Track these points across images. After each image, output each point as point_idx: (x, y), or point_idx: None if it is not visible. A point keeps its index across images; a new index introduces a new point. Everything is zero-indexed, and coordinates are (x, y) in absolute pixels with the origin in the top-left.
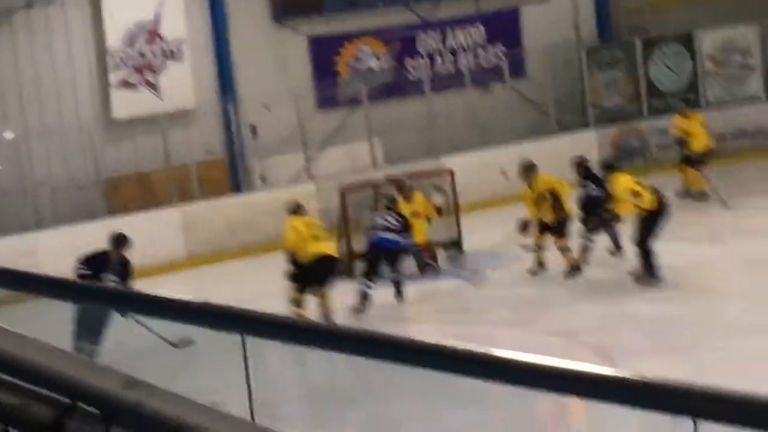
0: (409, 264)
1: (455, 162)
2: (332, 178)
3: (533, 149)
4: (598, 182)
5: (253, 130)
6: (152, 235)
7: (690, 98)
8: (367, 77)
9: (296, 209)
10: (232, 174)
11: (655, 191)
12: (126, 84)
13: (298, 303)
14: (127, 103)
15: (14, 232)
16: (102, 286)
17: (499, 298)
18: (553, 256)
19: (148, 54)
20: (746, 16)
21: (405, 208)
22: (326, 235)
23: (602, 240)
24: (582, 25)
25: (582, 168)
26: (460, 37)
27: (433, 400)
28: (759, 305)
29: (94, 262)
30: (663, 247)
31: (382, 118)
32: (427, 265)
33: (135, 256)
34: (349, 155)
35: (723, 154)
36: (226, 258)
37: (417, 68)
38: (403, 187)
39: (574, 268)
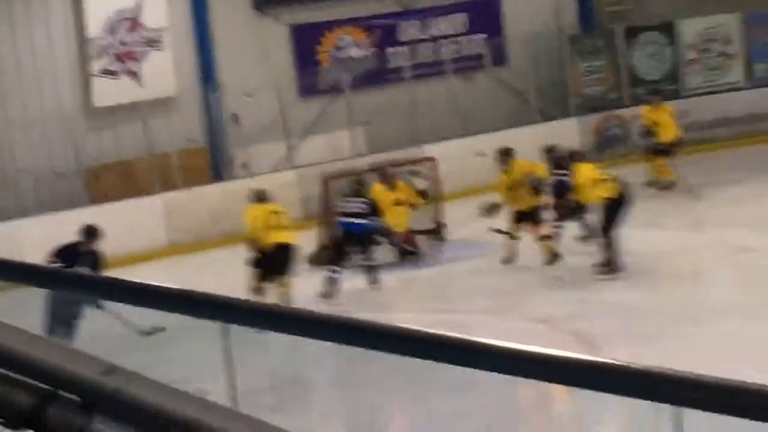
0: (388, 252)
1: (437, 150)
2: (314, 166)
3: (515, 137)
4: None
5: (235, 118)
6: (134, 223)
7: (662, 89)
8: (349, 65)
9: (260, 197)
10: (214, 162)
11: (617, 180)
12: (107, 72)
13: (258, 292)
14: (108, 92)
15: None
16: (87, 275)
17: (480, 286)
18: (528, 245)
19: (130, 42)
20: (727, 5)
21: (388, 196)
22: (288, 224)
23: (573, 227)
24: (563, 13)
25: (552, 155)
26: (441, 26)
27: (417, 387)
28: (735, 292)
29: (66, 254)
30: (640, 236)
31: (363, 107)
32: (408, 253)
33: (117, 244)
34: (331, 143)
35: (704, 143)
36: (208, 246)
37: (398, 56)
38: (386, 175)
39: (554, 256)
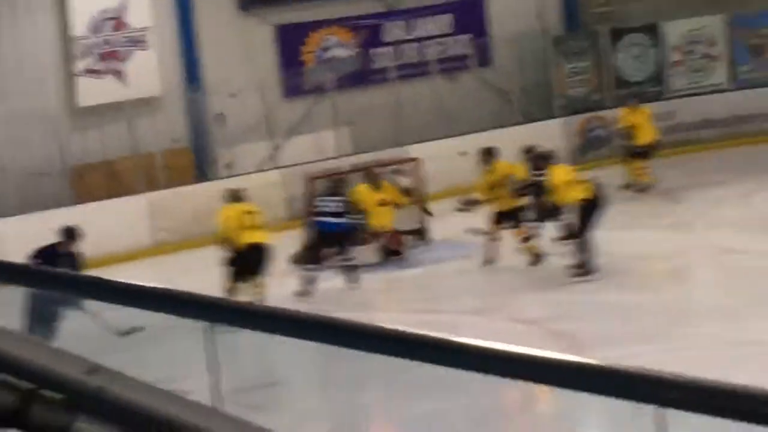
0: (372, 252)
1: (421, 150)
2: (298, 166)
3: (499, 138)
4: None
5: (220, 118)
6: (118, 222)
7: (642, 91)
8: (334, 66)
9: (235, 197)
10: (198, 162)
11: (592, 182)
12: (92, 72)
13: (232, 292)
14: (92, 91)
15: None
16: (73, 274)
17: (465, 286)
18: (512, 246)
19: (114, 42)
20: (711, 7)
21: (372, 197)
22: (262, 224)
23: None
24: (548, 14)
25: (530, 156)
26: (426, 26)
27: (400, 387)
28: (719, 294)
29: (46, 255)
30: (625, 237)
31: (348, 107)
32: (392, 254)
33: (101, 243)
34: (315, 144)
35: (688, 144)
36: (193, 246)
37: (383, 57)
38: (371, 175)
39: (537, 257)
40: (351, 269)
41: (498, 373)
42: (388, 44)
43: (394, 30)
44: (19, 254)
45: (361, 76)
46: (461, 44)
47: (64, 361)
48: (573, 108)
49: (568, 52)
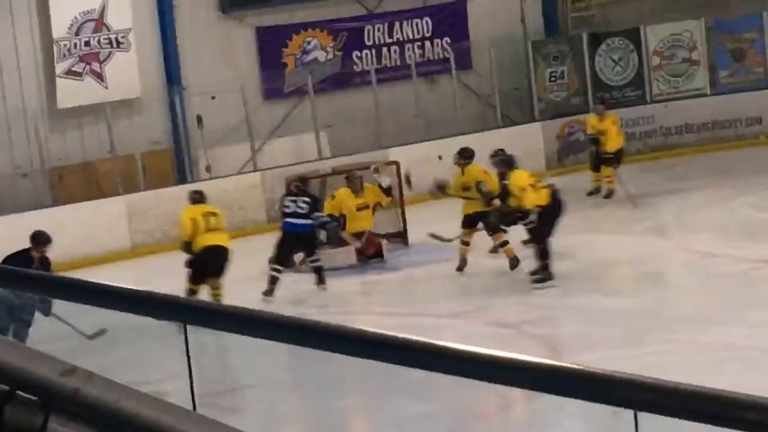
0: (350, 255)
1: (401, 153)
2: (278, 168)
3: (479, 141)
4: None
5: (199, 120)
6: (97, 224)
7: (605, 98)
8: (314, 69)
9: (196, 198)
10: (178, 164)
11: (550, 188)
12: (71, 73)
13: (193, 294)
14: (72, 93)
15: None
16: (51, 275)
17: (444, 289)
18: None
19: (94, 43)
20: (691, 12)
21: (353, 201)
22: (223, 226)
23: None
24: (528, 18)
25: (495, 161)
26: (406, 30)
27: (379, 391)
28: (698, 299)
29: (16, 261)
30: (604, 242)
31: (328, 110)
32: (371, 257)
33: (80, 245)
34: (296, 146)
35: (668, 149)
36: (171, 248)
37: (364, 60)
38: (352, 179)
39: (515, 260)
40: (318, 270)
41: (477, 377)
42: (368, 47)
43: (374, 33)
44: None
45: (342, 79)
46: (441, 48)
47: (40, 363)
48: (553, 112)
49: (548, 56)
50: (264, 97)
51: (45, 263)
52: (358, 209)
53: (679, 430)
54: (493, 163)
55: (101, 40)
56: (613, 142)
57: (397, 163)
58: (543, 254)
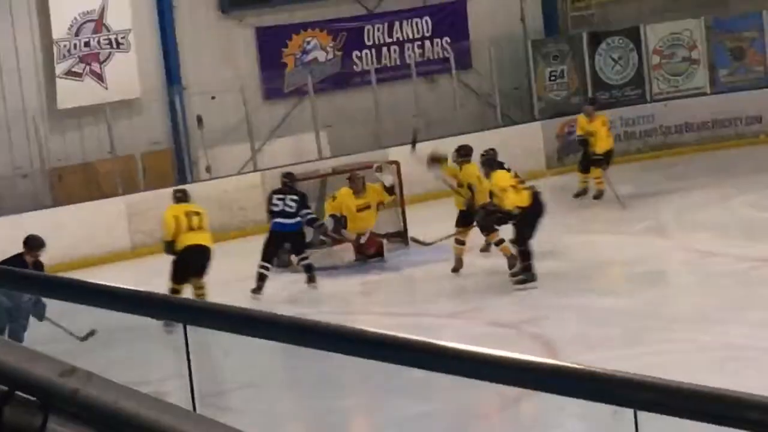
0: (347, 253)
1: (401, 153)
2: (278, 168)
3: (479, 141)
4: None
5: (199, 120)
6: (97, 225)
7: (595, 99)
8: (314, 69)
9: (180, 197)
10: (178, 164)
11: (531, 190)
12: (71, 74)
13: (176, 293)
14: (72, 93)
15: None
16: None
17: (444, 289)
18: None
19: (94, 44)
20: (691, 11)
21: (354, 202)
22: (206, 225)
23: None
24: (528, 17)
25: (482, 161)
26: (406, 29)
27: (379, 391)
28: (698, 298)
29: (11, 265)
30: (605, 241)
31: (328, 110)
32: (372, 256)
33: (80, 245)
34: (296, 146)
35: (668, 148)
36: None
37: (363, 60)
38: (355, 180)
39: (513, 258)
40: (309, 269)
41: (478, 377)
42: (368, 47)
43: (374, 33)
44: None
45: (342, 79)
46: (441, 47)
47: (39, 364)
48: (553, 111)
49: (548, 55)
50: (264, 97)
51: (38, 268)
52: (359, 210)
53: (680, 430)
54: (482, 163)
55: (101, 41)
56: (602, 143)
57: (397, 163)
58: (524, 255)
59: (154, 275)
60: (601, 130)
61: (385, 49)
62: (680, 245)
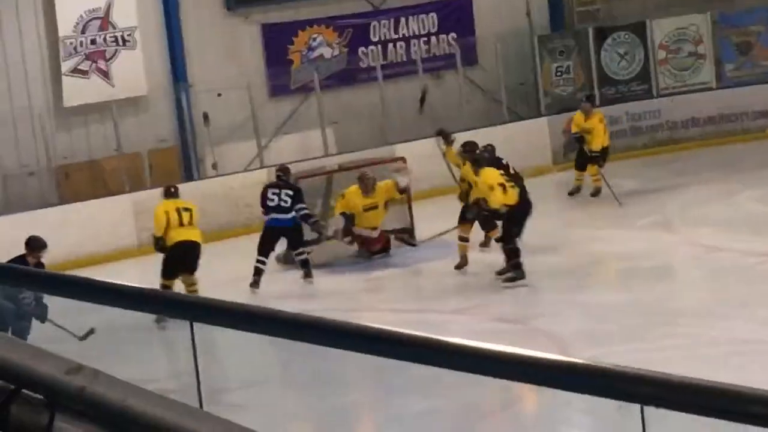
0: (351, 248)
1: (407, 150)
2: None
3: (485, 137)
4: (504, 167)
5: (206, 117)
6: (103, 222)
7: (590, 95)
8: (320, 65)
9: (170, 193)
10: (185, 162)
11: (519, 188)
12: (77, 71)
13: (167, 289)
14: (78, 91)
15: None
16: (58, 273)
17: (450, 285)
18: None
19: (100, 41)
20: (697, 6)
21: (361, 201)
22: (196, 221)
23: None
24: (534, 13)
25: (477, 157)
26: (412, 25)
27: (383, 387)
28: (704, 293)
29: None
30: (610, 236)
31: (334, 106)
32: (378, 252)
33: (86, 243)
34: (302, 143)
35: (674, 143)
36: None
37: (369, 56)
38: (364, 180)
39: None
40: (305, 264)
41: (483, 373)
42: (374, 43)
43: (380, 29)
44: (5, 253)
45: (348, 76)
46: (447, 43)
47: (46, 362)
48: (559, 107)
49: (554, 50)
50: (270, 94)
51: (41, 268)
52: (366, 209)
53: (686, 424)
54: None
55: (107, 38)
56: (599, 141)
57: (404, 159)
58: (512, 254)
59: (160, 273)
60: (598, 127)
61: (391, 45)
62: (686, 240)
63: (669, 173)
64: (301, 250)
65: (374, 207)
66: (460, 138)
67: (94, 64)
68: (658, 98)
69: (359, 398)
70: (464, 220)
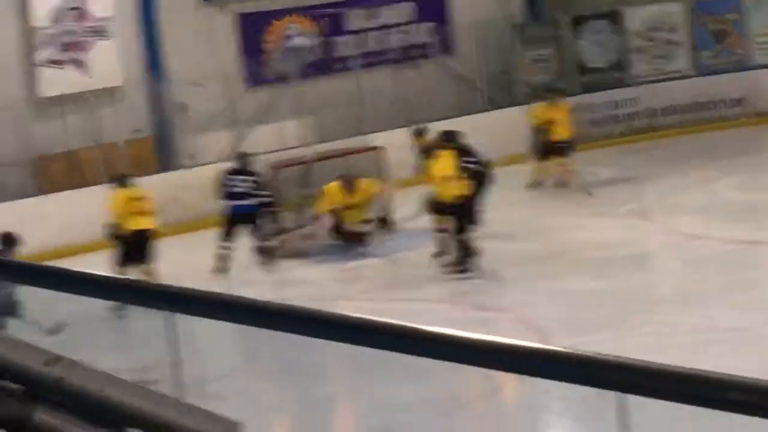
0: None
1: (384, 139)
2: (261, 155)
3: (463, 126)
4: (473, 155)
5: (182, 107)
6: (81, 213)
7: (554, 87)
8: (296, 55)
9: (122, 182)
10: (161, 152)
11: (481, 176)
12: (53, 62)
13: None
14: (54, 82)
15: None
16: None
17: (429, 274)
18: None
19: (76, 32)
20: None
21: (341, 200)
22: (149, 209)
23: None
24: (510, 2)
25: (427, 148)
26: (389, 14)
27: (364, 377)
28: (683, 280)
29: None
30: (589, 224)
31: (311, 96)
32: (353, 241)
33: (64, 233)
34: (278, 133)
35: (650, 131)
36: (154, 236)
37: (346, 45)
38: (346, 180)
39: (473, 250)
40: (264, 251)
41: (462, 361)
42: (350, 33)
43: (356, 18)
44: None
45: (324, 65)
46: (424, 32)
47: (24, 352)
48: (536, 95)
49: (531, 39)
50: (246, 84)
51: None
52: (347, 208)
53: (666, 412)
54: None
55: (83, 29)
56: (564, 131)
57: (381, 149)
58: (463, 245)
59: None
60: (564, 117)
61: (367, 34)
62: (664, 228)
63: (646, 161)
64: (261, 236)
65: (356, 206)
66: (438, 127)
67: (70, 55)
68: (634, 86)
69: (339, 388)
70: (438, 211)
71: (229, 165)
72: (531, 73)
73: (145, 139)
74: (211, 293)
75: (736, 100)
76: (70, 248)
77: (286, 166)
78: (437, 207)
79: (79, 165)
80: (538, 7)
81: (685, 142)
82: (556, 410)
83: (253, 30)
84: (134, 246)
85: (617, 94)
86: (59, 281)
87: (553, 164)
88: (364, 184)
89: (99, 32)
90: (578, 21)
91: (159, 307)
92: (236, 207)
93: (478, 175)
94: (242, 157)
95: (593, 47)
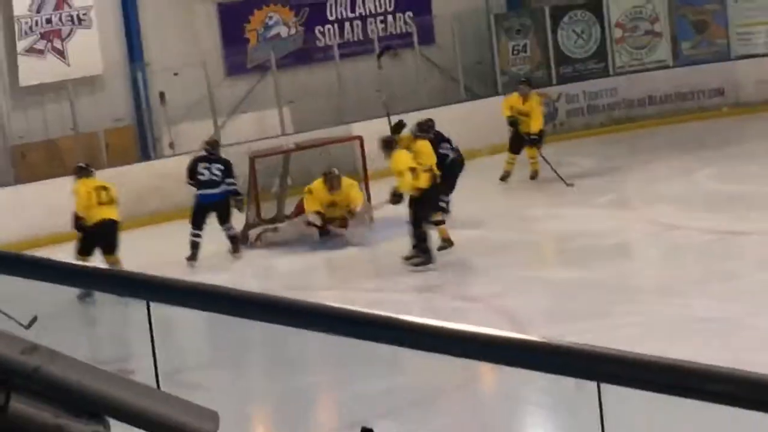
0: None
1: (364, 129)
2: (241, 145)
3: (443, 115)
4: (450, 143)
5: (162, 96)
6: (60, 203)
7: (525, 78)
8: (276, 44)
9: (86, 172)
10: (141, 141)
11: (430, 172)
12: (33, 51)
13: None
14: (34, 70)
15: None
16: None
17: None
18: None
19: (56, 20)
20: None
21: (324, 197)
22: (114, 199)
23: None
24: None
25: (386, 141)
26: (369, 4)
27: (345, 367)
28: (662, 270)
29: None
30: (568, 214)
31: (291, 85)
32: (334, 228)
33: (43, 223)
34: (258, 122)
35: (631, 121)
36: (135, 226)
37: (326, 35)
38: (330, 178)
39: (447, 242)
40: (233, 239)
41: (442, 351)
42: (330, 22)
43: (337, 8)
44: None
45: (304, 55)
46: (404, 22)
47: None
48: (516, 85)
49: (511, 29)
50: (226, 73)
51: None
52: (330, 205)
53: (644, 402)
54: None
55: (63, 17)
56: (537, 123)
57: (361, 138)
58: (420, 237)
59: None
60: (536, 109)
61: (347, 24)
62: (643, 218)
63: (626, 151)
64: (230, 224)
65: (338, 203)
66: (417, 117)
67: (49, 43)
68: (614, 76)
69: (320, 378)
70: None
71: (199, 152)
72: (511, 63)
73: (125, 128)
74: (188, 282)
75: (715, 91)
76: (49, 238)
77: (266, 155)
78: (396, 199)
79: (58, 154)
80: None
81: (665, 133)
82: (535, 401)
83: (233, 19)
84: (99, 236)
85: (597, 84)
86: (33, 270)
87: (527, 156)
88: (347, 182)
89: (79, 21)
90: (558, 11)
91: (135, 296)
92: (206, 195)
93: (456, 162)
94: (212, 144)
95: (573, 37)
